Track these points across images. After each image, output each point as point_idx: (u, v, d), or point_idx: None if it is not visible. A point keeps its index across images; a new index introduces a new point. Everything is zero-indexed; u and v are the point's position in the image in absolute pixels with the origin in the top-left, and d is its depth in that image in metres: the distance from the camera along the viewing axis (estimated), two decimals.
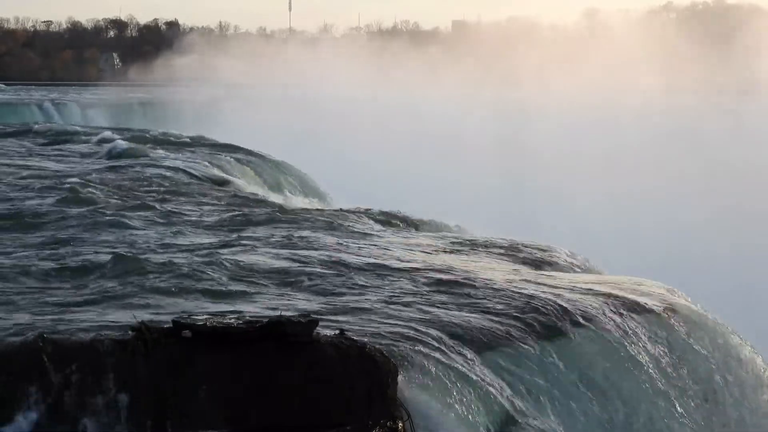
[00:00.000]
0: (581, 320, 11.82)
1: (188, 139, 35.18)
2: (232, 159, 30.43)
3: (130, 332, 9.03)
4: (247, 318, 9.31)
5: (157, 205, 18.70)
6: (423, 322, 11.04)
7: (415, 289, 12.53)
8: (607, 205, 43.00)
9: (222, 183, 24.62)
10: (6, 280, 12.14)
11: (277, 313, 9.83)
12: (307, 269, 13.36)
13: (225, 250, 14.42)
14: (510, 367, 10.59)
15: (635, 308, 12.52)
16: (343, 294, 12.17)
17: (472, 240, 17.13)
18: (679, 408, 11.44)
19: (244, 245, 14.92)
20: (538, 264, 15.22)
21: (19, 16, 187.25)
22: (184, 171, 25.19)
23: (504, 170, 49.84)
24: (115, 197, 19.76)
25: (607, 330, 11.82)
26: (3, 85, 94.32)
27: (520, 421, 9.91)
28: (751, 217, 41.70)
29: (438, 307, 11.71)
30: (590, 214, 41.07)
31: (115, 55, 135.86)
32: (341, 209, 20.25)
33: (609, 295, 12.78)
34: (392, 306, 11.64)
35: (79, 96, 78.60)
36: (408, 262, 14.25)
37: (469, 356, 10.40)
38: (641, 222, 41.37)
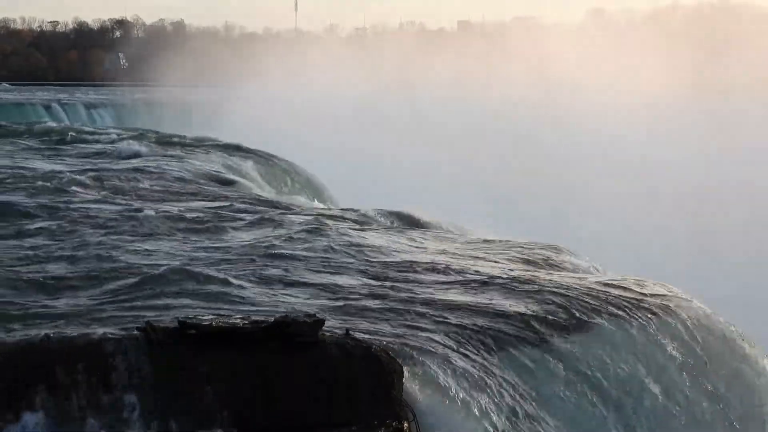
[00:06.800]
0: (589, 321, 11.82)
1: (194, 140, 35.18)
2: (237, 159, 30.43)
3: (136, 332, 9.06)
4: (253, 318, 9.33)
5: (162, 206, 18.72)
6: (431, 322, 11.05)
7: (422, 289, 12.53)
8: (610, 205, 42.92)
9: (227, 183, 24.61)
10: (12, 280, 12.15)
11: (285, 313, 9.84)
12: (316, 269, 13.37)
13: (231, 251, 14.44)
14: (518, 367, 10.59)
15: (643, 307, 12.52)
16: (351, 294, 12.16)
17: (478, 240, 17.13)
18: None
19: (250, 245, 14.93)
20: (546, 264, 15.22)
21: (26, 17, 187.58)
22: (190, 171, 25.20)
23: (505, 170, 49.79)
24: (120, 197, 19.80)
25: (616, 329, 11.82)
26: (8, 85, 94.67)
27: (527, 421, 9.91)
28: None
29: (446, 307, 11.70)
30: (593, 215, 41.00)
31: (121, 55, 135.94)
32: (348, 209, 20.27)
33: (618, 295, 12.78)
34: (400, 306, 11.64)
35: (85, 96, 78.76)
36: (416, 261, 14.24)
37: (476, 356, 10.40)
38: (644, 222, 41.32)
